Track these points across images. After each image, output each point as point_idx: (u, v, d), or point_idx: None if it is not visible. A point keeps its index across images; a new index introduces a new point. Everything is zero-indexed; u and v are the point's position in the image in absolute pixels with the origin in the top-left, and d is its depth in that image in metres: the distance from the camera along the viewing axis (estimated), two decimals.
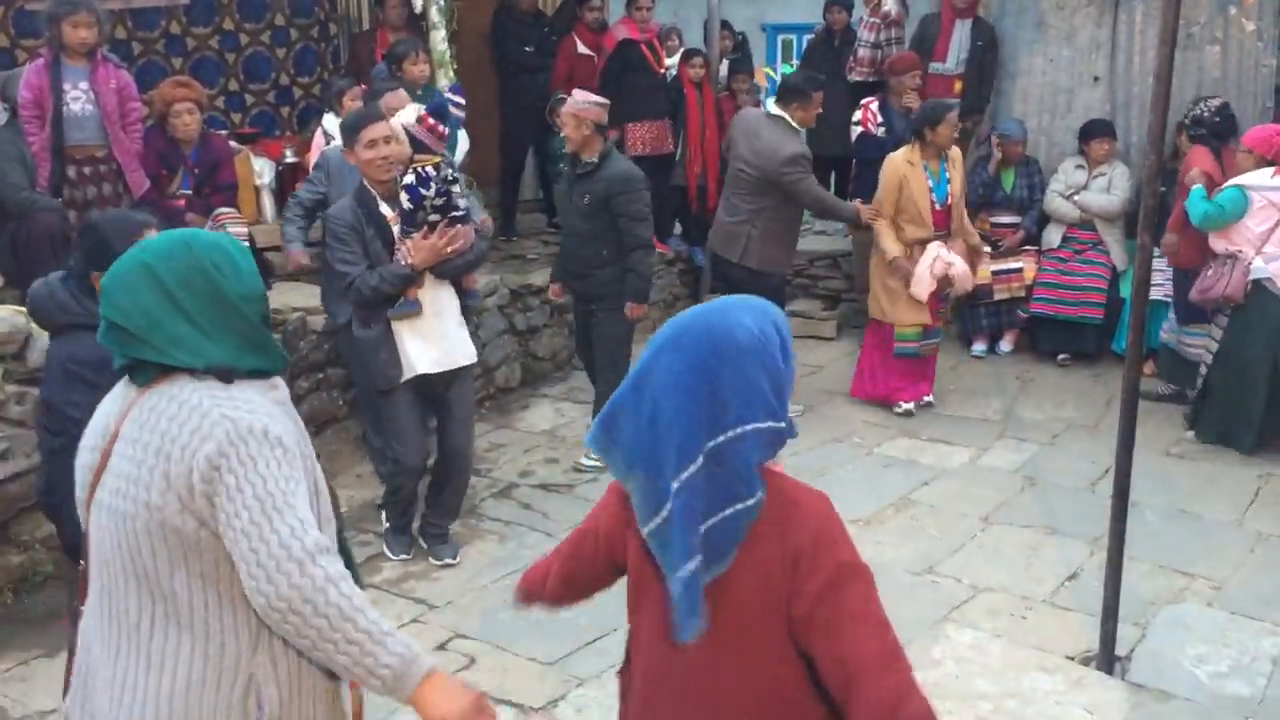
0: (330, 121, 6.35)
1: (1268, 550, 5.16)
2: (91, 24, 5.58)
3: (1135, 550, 4.52)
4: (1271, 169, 6.07)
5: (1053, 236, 7.79)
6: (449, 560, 5.11)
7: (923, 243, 6.69)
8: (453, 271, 4.92)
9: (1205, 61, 7.81)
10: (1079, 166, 7.70)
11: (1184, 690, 4.06)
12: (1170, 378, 7.00)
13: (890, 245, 6.68)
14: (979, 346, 8.08)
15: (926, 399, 7.01)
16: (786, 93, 6.69)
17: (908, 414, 6.86)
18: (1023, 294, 7.84)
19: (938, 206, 6.68)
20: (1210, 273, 6.17)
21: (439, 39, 7.03)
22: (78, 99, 5.63)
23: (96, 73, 5.65)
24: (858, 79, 8.48)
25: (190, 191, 6.10)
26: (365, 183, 4.76)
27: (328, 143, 6.25)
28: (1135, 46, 7.98)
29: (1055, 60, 8.25)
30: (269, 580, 1.89)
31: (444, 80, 6.94)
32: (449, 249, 4.75)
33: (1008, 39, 8.39)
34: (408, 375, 4.84)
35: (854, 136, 8.00)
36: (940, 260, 6.63)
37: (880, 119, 7.89)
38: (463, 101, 7.06)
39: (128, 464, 1.98)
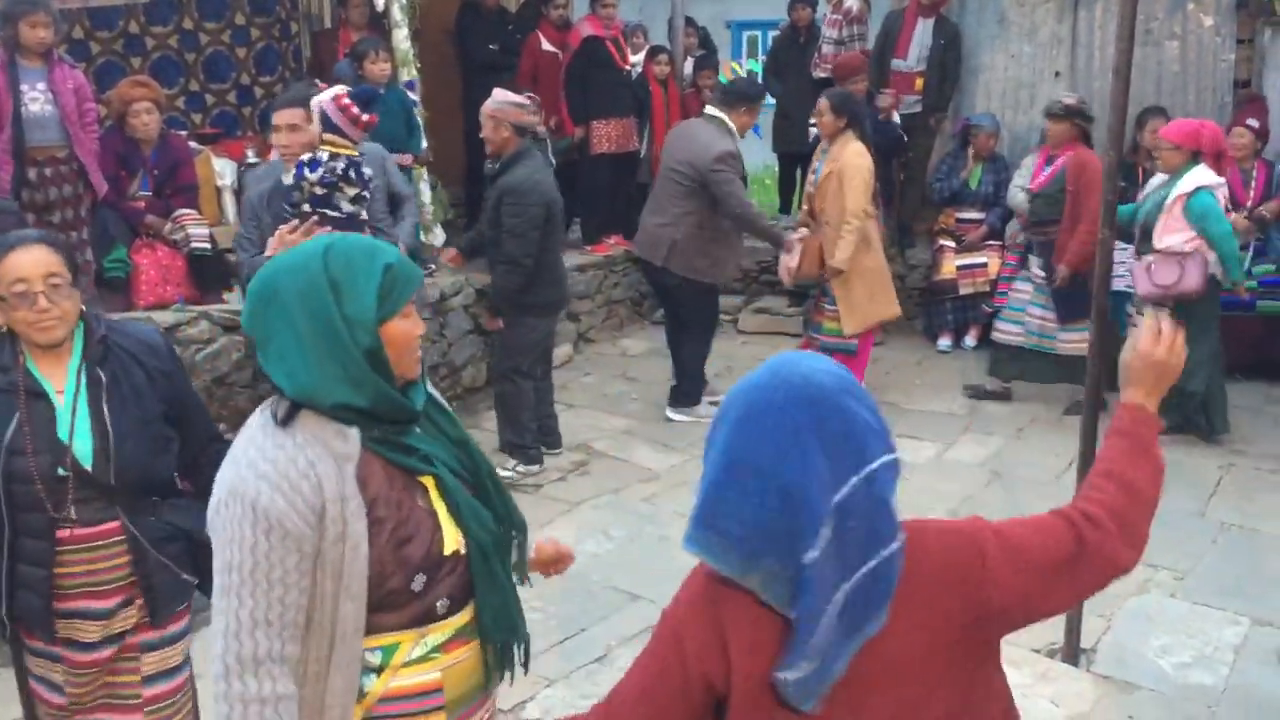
0: None
1: (1229, 540, 5.22)
2: (49, 24, 5.52)
3: None
4: (1201, 165, 6.09)
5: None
6: None
7: (801, 221, 6.94)
8: None
9: (1164, 57, 7.89)
10: None
11: (1149, 681, 4.10)
12: (1002, 374, 7.03)
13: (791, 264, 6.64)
14: (944, 342, 8.12)
15: None
16: (735, 97, 6.65)
17: None
18: (987, 289, 7.89)
19: (810, 188, 6.83)
20: (1163, 268, 6.09)
21: (401, 37, 6.99)
22: (36, 99, 5.56)
23: (54, 73, 5.58)
24: (822, 75, 8.51)
25: (150, 193, 6.03)
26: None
27: None
28: (1095, 42, 8.06)
29: (1017, 56, 8.32)
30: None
31: (406, 78, 6.91)
32: None
33: (970, 35, 8.44)
34: None
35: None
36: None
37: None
38: (416, 99, 7.03)
39: None
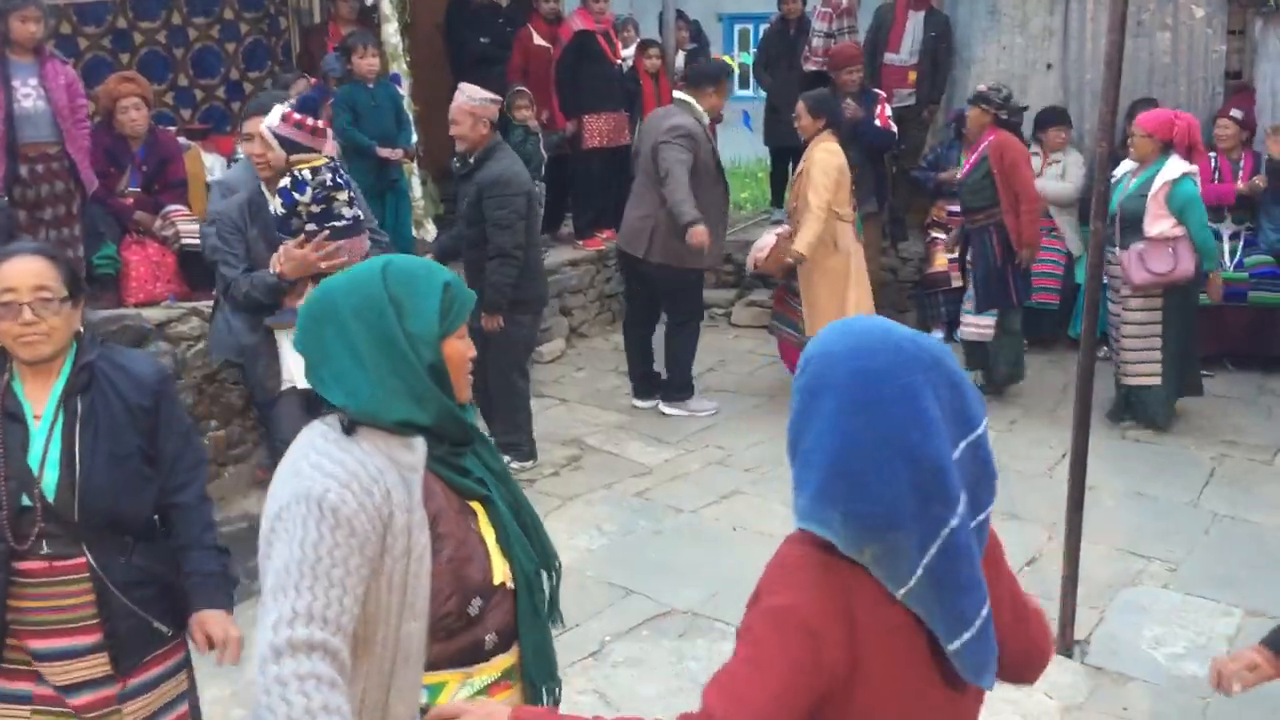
0: None
1: (1222, 531, 5.22)
2: (39, 18, 5.49)
3: (1092, 534, 4.56)
4: (1174, 155, 6.13)
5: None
6: None
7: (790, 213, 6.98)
8: None
9: (1156, 48, 7.89)
10: (1033, 153, 7.74)
11: (1142, 672, 4.10)
12: (977, 366, 7.04)
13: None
14: (937, 334, 8.11)
15: None
16: (700, 78, 6.73)
17: None
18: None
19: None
20: (1157, 256, 6.08)
21: (391, 31, 6.98)
22: (28, 95, 5.52)
23: (45, 69, 5.55)
24: (812, 68, 8.50)
25: (139, 189, 6.01)
26: (258, 177, 4.48)
27: None
28: (1087, 33, 8.05)
29: (1008, 48, 8.31)
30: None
31: (394, 72, 6.90)
32: (324, 264, 4.19)
33: (961, 27, 8.44)
34: (285, 386, 4.49)
35: None
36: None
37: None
38: (405, 93, 7.01)
39: None
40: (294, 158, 4.27)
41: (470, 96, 5.65)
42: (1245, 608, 4.51)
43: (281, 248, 4.26)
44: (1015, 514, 5.40)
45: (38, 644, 2.55)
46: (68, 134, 5.61)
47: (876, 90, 7.88)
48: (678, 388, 6.82)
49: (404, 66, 7.00)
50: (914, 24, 8.24)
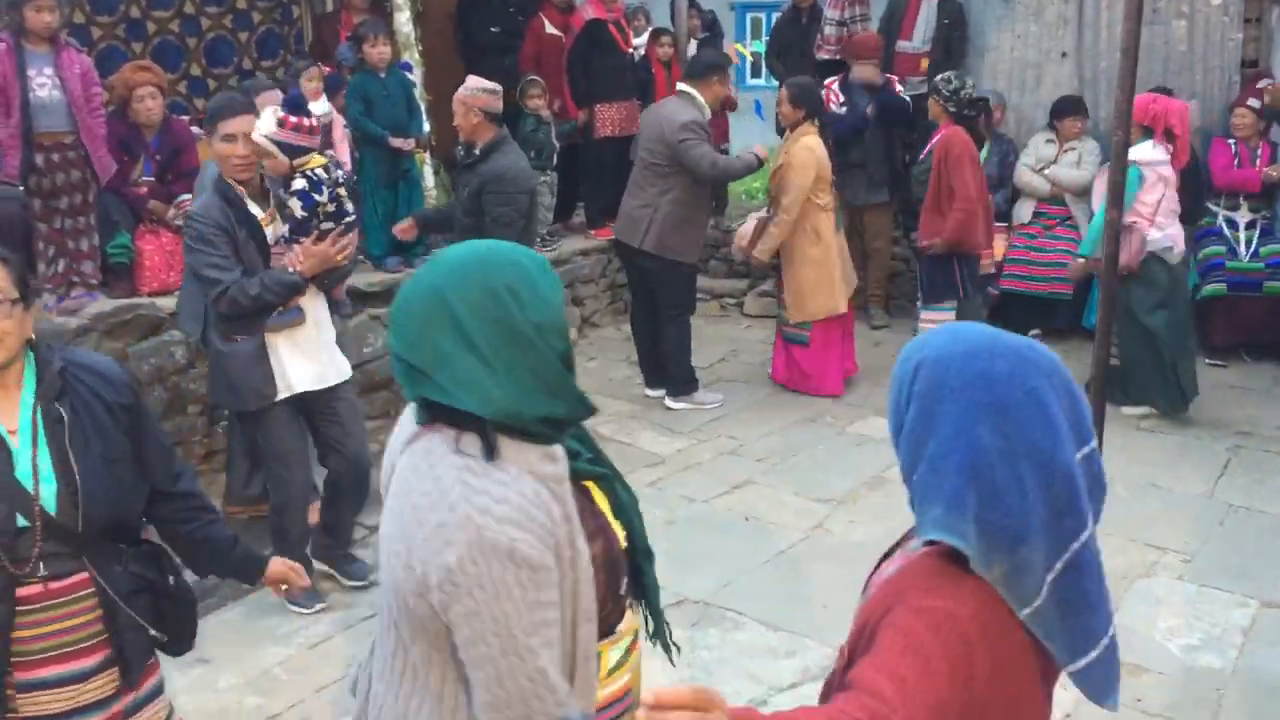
0: None
1: (1237, 522, 5.20)
2: (54, 7, 5.50)
3: (1106, 524, 4.48)
4: (1150, 140, 6.15)
5: (1023, 211, 7.81)
6: (364, 581, 4.72)
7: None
8: (335, 281, 4.61)
9: (1171, 36, 7.84)
10: (1049, 141, 7.74)
11: (1156, 664, 4.09)
12: None
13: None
14: None
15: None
16: (702, 68, 6.69)
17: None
18: (992, 270, 7.85)
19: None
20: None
21: (403, 20, 6.98)
22: (44, 85, 5.53)
23: (60, 57, 5.56)
24: (825, 57, 8.48)
25: (153, 178, 6.02)
26: (224, 178, 4.25)
27: None
28: (1102, 21, 8.00)
29: (1023, 36, 8.27)
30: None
31: (404, 61, 6.90)
32: (340, 256, 4.34)
33: (976, 15, 8.39)
34: (284, 395, 4.38)
35: None
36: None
37: (842, 98, 7.89)
38: (416, 82, 7.00)
39: (390, 515, 1.76)
40: (296, 161, 4.30)
41: (465, 85, 5.61)
42: (1260, 599, 4.49)
43: (298, 247, 4.26)
44: None
45: (36, 674, 2.40)
46: (82, 123, 5.62)
47: (888, 74, 7.88)
48: (681, 381, 6.81)
49: (416, 55, 7.00)
50: (927, 11, 8.21)
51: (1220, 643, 4.20)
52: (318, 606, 4.60)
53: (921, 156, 6.87)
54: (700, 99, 6.52)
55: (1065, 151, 7.65)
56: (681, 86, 6.66)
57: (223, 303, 4.17)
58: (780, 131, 9.41)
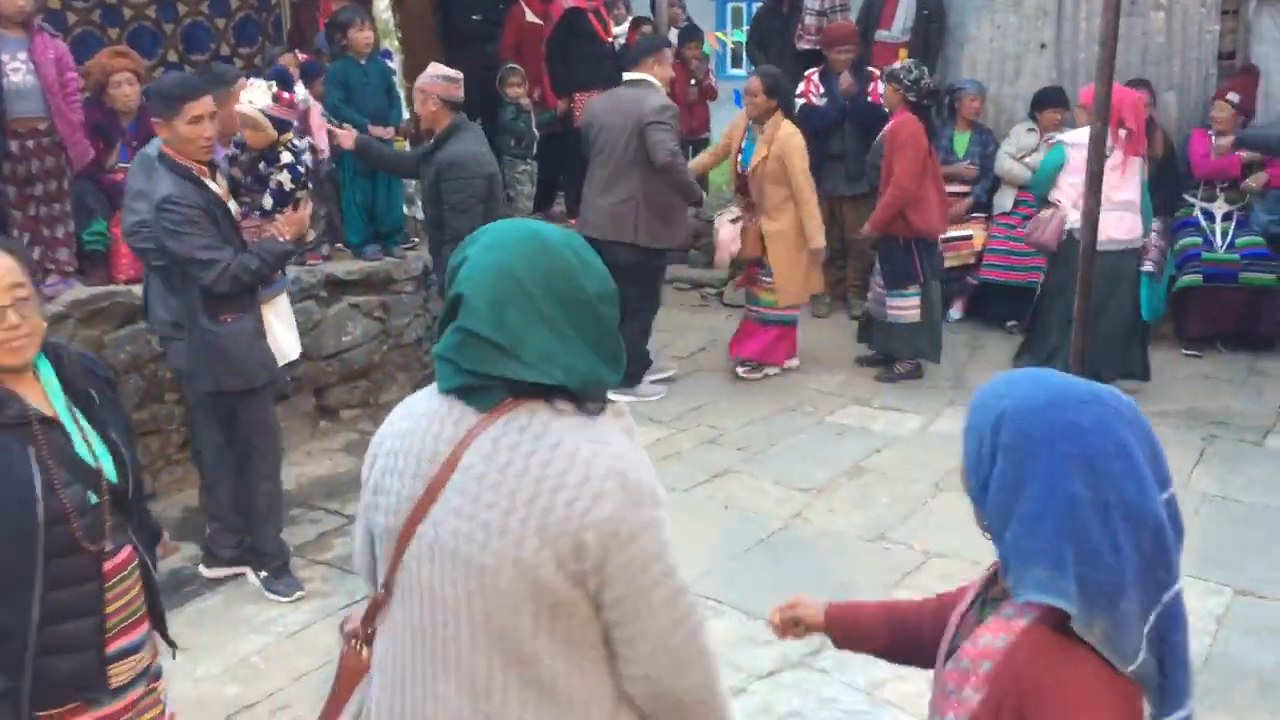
0: None
1: (1212, 511, 5.24)
2: None
3: None
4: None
5: (1004, 200, 7.86)
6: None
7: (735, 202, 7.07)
8: (304, 250, 4.81)
9: (1149, 27, 7.88)
10: (1030, 130, 7.78)
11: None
12: (914, 354, 7.10)
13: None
14: None
15: (749, 366, 7.13)
16: (639, 53, 6.65)
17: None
18: (972, 261, 7.89)
19: (740, 169, 6.87)
20: (1033, 220, 6.58)
21: (382, 7, 6.94)
22: (17, 70, 5.47)
23: (35, 43, 5.50)
24: (805, 47, 8.48)
25: (129, 164, 5.96)
26: (179, 161, 4.17)
27: None
28: (1081, 13, 8.03)
29: (1003, 27, 8.29)
30: (675, 671, 1.73)
31: (384, 49, 6.85)
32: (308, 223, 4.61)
33: (955, 6, 8.41)
34: (282, 364, 4.49)
35: (796, 108, 7.99)
36: (717, 225, 6.96)
37: (822, 89, 7.90)
38: (396, 70, 6.97)
39: (477, 506, 1.70)
40: (282, 135, 4.45)
41: (425, 73, 5.56)
42: (1234, 586, 4.53)
43: (279, 217, 4.38)
44: None
45: (112, 647, 2.43)
46: (57, 109, 5.56)
47: (870, 68, 7.87)
48: (630, 373, 6.69)
49: (395, 43, 6.96)
50: (906, 2, 8.22)
51: (1194, 630, 4.19)
52: (296, 595, 4.59)
53: (876, 141, 6.93)
54: (657, 83, 6.44)
55: (1046, 141, 7.68)
56: (631, 75, 6.53)
57: (224, 281, 4.15)
58: None
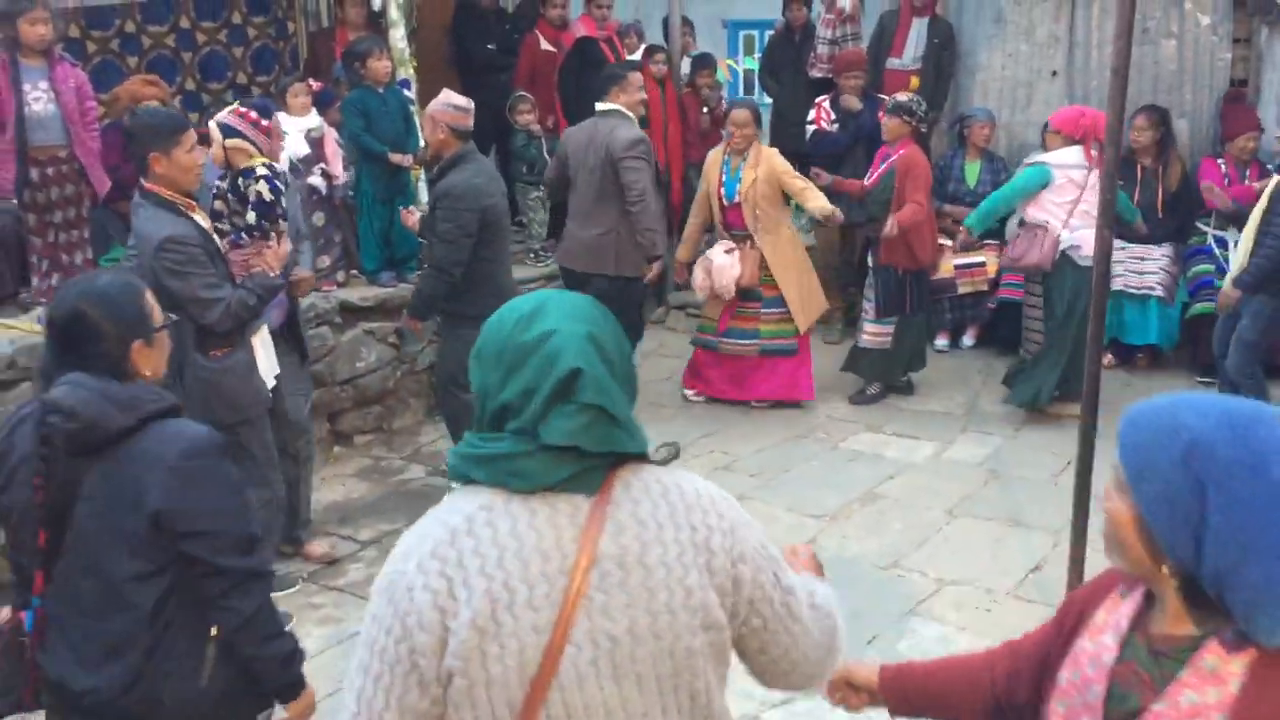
0: (284, 120, 6.30)
1: None
2: (48, 19, 5.51)
3: (1098, 541, 4.53)
4: (1078, 148, 6.40)
5: (1015, 227, 7.84)
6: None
7: (719, 237, 6.97)
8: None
9: (1161, 56, 7.90)
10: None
11: None
12: (879, 378, 7.14)
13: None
14: (941, 341, 8.12)
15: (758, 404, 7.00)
16: (605, 84, 6.41)
17: (687, 401, 7.09)
18: (985, 288, 7.89)
19: (726, 202, 6.81)
20: (1020, 241, 6.57)
21: (398, 36, 7.00)
22: (38, 99, 5.54)
23: (55, 71, 5.57)
24: (817, 75, 8.51)
25: None
26: (170, 197, 4.12)
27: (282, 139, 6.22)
28: (1093, 41, 8.06)
29: (1014, 55, 8.32)
30: (819, 662, 1.82)
31: (402, 78, 6.91)
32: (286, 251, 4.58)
33: (967, 34, 8.45)
34: (271, 388, 4.57)
35: (808, 135, 8.03)
36: (705, 258, 6.83)
37: (833, 116, 7.93)
38: (413, 98, 7.02)
39: (637, 590, 1.58)
40: (243, 145, 4.57)
41: (436, 100, 5.52)
42: None
43: (267, 252, 4.43)
44: (1021, 521, 5.40)
45: None
46: (77, 137, 5.63)
47: (880, 95, 7.90)
48: None
49: (410, 72, 7.02)
50: (918, 30, 8.26)
51: None
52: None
53: (877, 175, 6.84)
54: (623, 110, 6.28)
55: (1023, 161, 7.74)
56: (603, 106, 6.34)
57: (227, 319, 4.20)
58: (773, 146, 9.50)
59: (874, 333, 6.94)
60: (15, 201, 5.59)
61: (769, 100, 9.15)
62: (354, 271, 6.87)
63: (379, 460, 6.38)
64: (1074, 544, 4.15)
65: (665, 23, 9.16)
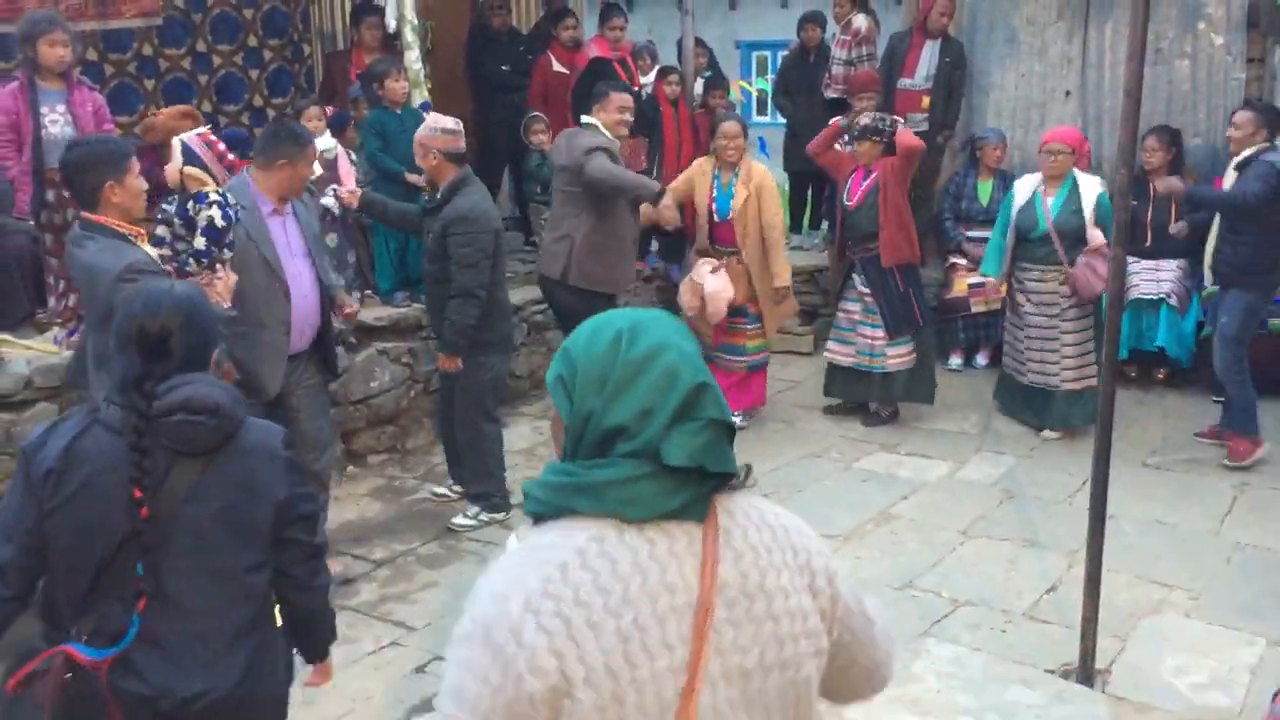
0: None
1: (1244, 560, 5.18)
2: (67, 42, 5.55)
3: (1113, 562, 4.53)
4: (1078, 170, 6.53)
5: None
6: None
7: (701, 253, 6.86)
8: None
9: (1175, 76, 7.90)
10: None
11: (1164, 702, 4.06)
12: (834, 394, 7.18)
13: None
14: (955, 360, 8.10)
15: (736, 416, 6.92)
16: (591, 99, 6.50)
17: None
18: (999, 307, 7.86)
19: (717, 218, 6.81)
20: (1090, 271, 6.42)
21: (413, 58, 7.03)
22: (56, 121, 5.58)
23: (73, 95, 5.62)
24: (833, 95, 8.54)
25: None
26: (120, 228, 3.89)
27: None
28: (1105, 61, 8.06)
29: (1027, 75, 8.33)
30: (890, 657, 1.82)
31: (418, 99, 6.94)
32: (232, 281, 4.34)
33: (980, 54, 8.46)
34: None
35: None
36: (694, 280, 6.70)
37: (846, 138, 7.93)
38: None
39: (759, 622, 1.51)
40: (200, 175, 4.37)
41: (425, 125, 5.48)
42: (1268, 637, 4.46)
43: (217, 281, 4.21)
44: (1036, 542, 5.37)
45: None
46: None
47: (895, 117, 7.91)
48: None
49: (425, 94, 7.06)
50: (930, 51, 8.27)
51: (1228, 681, 4.18)
52: None
53: (861, 195, 6.75)
54: (603, 128, 6.27)
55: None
56: (585, 120, 6.41)
57: None
58: (787, 166, 9.53)
59: (898, 354, 6.82)
60: (32, 222, 5.62)
61: (783, 120, 9.17)
62: (368, 292, 6.90)
63: (392, 480, 6.39)
64: (1089, 565, 4.13)
65: (679, 44, 9.20)
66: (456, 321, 5.37)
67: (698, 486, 1.49)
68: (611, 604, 1.42)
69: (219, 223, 4.22)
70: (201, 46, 7.88)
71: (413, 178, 6.69)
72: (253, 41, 8.15)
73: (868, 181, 6.75)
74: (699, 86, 9.21)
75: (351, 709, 4.08)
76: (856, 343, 6.90)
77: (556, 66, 8.52)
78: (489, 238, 5.36)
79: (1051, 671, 4.23)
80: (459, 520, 5.67)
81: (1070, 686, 4.13)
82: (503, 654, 1.41)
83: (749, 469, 1.59)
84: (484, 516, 5.67)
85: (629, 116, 6.37)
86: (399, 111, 6.80)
